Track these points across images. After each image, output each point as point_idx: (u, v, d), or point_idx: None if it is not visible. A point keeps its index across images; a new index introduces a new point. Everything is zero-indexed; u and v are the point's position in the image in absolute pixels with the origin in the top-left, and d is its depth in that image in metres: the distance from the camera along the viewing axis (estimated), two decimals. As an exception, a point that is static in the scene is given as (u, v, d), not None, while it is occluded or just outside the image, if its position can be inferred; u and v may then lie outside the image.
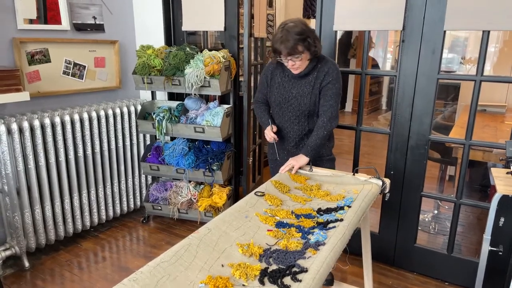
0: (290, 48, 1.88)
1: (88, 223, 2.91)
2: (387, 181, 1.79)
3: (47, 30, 2.66)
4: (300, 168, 1.96)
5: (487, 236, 1.95)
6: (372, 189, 1.68)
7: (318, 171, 1.93)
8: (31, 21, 2.59)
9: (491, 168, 2.08)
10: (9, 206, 2.45)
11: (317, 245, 1.19)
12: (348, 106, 7.39)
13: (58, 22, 2.73)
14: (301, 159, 1.97)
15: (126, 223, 3.18)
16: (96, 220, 2.96)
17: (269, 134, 2.12)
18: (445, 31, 2.17)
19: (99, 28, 2.98)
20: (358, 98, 2.60)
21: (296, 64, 1.95)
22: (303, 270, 1.05)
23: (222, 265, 1.07)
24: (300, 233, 1.28)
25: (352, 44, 7.24)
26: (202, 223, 2.99)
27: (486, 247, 1.96)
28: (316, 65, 2.03)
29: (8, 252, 2.48)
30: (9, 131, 2.36)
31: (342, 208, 1.46)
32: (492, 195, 1.87)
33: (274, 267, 1.09)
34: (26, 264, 2.53)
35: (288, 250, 1.18)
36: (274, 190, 1.65)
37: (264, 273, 1.05)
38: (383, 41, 7.52)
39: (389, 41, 7.48)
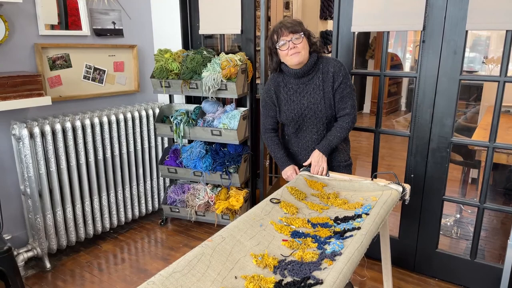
0: (291, 26, 1.85)
1: (107, 225, 2.95)
2: (408, 186, 1.74)
3: (68, 35, 2.71)
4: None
5: (511, 241, 1.89)
6: (391, 195, 1.64)
7: (336, 176, 1.90)
8: (52, 27, 2.65)
9: (516, 172, 2.02)
10: (32, 208, 2.51)
11: (334, 255, 1.16)
12: (366, 108, 7.26)
13: (79, 27, 2.78)
14: (324, 159, 1.96)
15: (145, 225, 3.22)
16: (115, 222, 3.01)
17: (290, 176, 2.03)
18: (467, 31, 2.10)
19: (118, 33, 3.02)
20: (377, 99, 2.54)
21: (297, 47, 1.85)
22: (318, 282, 1.03)
23: (236, 277, 1.06)
24: (316, 243, 1.26)
25: (370, 44, 7.12)
26: (219, 226, 3.03)
27: (510, 253, 1.89)
28: (318, 65, 1.95)
29: (30, 253, 2.54)
30: (31, 135, 2.42)
31: (359, 216, 1.43)
32: (517, 200, 1.80)
33: (288, 279, 1.08)
34: (48, 265, 2.59)
35: (303, 261, 1.16)
36: (290, 197, 1.63)
37: (278, 285, 1.03)
38: (402, 41, 7.36)
39: (408, 41, 7.31)
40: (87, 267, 2.62)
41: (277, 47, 1.90)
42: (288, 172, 2.05)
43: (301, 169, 2.00)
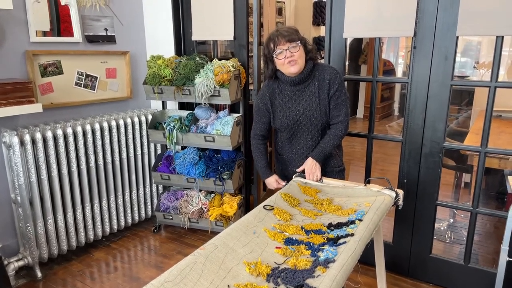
0: (288, 35, 1.85)
1: (100, 233, 2.92)
2: (401, 192, 1.74)
3: (59, 42, 2.70)
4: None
5: (504, 246, 1.89)
6: (384, 201, 1.64)
7: (329, 182, 1.90)
8: (44, 33, 2.63)
9: (508, 176, 2.03)
10: (22, 216, 2.48)
11: (327, 262, 1.15)
12: (360, 113, 7.31)
13: (71, 34, 2.76)
14: (317, 166, 1.97)
15: (138, 232, 3.19)
16: (107, 229, 2.98)
17: (273, 185, 2.13)
18: (458, 37, 2.12)
19: (110, 39, 3.01)
20: (370, 105, 2.55)
21: (294, 56, 1.85)
22: (312, 290, 1.03)
23: (228, 286, 1.04)
24: (310, 251, 1.25)
25: (363, 50, 7.17)
26: (213, 233, 3.01)
27: (504, 258, 1.90)
28: (313, 72, 1.96)
29: (21, 263, 2.50)
30: (22, 143, 2.39)
31: (353, 222, 1.43)
32: (510, 204, 1.81)
33: (282, 287, 1.07)
34: (39, 274, 2.55)
35: (297, 269, 1.15)
36: (283, 203, 1.62)
37: (271, 293, 1.03)
38: (394, 46, 7.42)
39: (400, 46, 7.39)
40: (79, 276, 2.59)
41: (274, 55, 1.89)
42: (273, 183, 2.13)
43: (294, 175, 2.00)
